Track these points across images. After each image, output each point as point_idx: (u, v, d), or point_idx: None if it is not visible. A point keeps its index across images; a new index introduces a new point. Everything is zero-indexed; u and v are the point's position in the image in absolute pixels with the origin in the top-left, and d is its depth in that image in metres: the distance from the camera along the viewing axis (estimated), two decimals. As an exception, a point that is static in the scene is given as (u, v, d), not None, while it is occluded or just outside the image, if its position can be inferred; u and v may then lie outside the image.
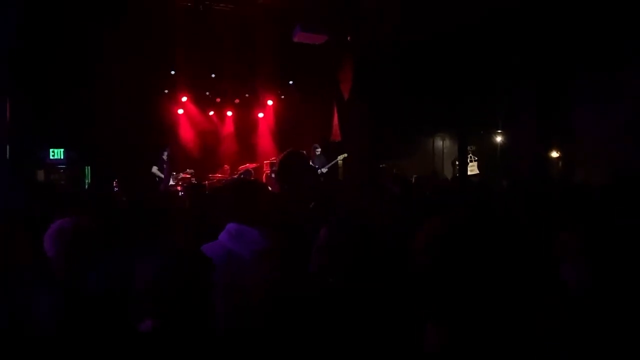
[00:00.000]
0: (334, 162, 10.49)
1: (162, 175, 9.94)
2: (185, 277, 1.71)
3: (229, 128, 13.20)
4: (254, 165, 11.67)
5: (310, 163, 9.91)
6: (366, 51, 9.97)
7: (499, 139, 13.15)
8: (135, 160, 10.01)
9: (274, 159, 11.06)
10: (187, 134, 12.68)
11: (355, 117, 11.00)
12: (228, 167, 12.00)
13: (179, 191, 9.43)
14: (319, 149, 10.26)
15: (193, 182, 10.52)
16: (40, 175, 9.22)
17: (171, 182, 9.96)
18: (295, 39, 9.95)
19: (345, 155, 10.62)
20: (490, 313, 1.09)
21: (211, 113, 13.03)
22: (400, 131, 11.56)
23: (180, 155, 11.94)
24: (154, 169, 9.74)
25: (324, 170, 10.14)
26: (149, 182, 9.63)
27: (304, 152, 10.06)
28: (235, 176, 10.35)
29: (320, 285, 1.87)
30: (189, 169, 10.94)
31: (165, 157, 9.95)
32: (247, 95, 12.93)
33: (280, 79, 12.42)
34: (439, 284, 1.13)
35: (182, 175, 10.81)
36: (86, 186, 9.48)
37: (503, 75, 9.41)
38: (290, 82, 12.65)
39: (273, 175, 9.89)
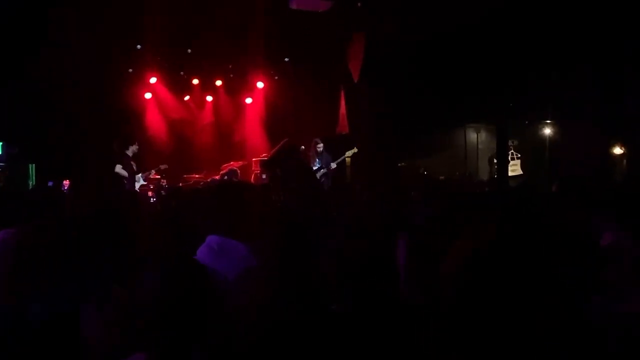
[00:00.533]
0: (340, 159, 10.53)
1: (126, 175, 9.98)
2: (183, 288, 1.75)
3: (208, 117, 13.25)
4: (240, 163, 11.72)
5: (310, 162, 10.03)
6: (381, 21, 10.00)
7: (548, 131, 13.17)
8: (92, 157, 10.06)
9: (265, 156, 11.08)
10: (156, 124, 12.74)
11: (367, 103, 11.03)
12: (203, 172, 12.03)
13: (149, 196, 9.47)
14: (322, 145, 10.28)
15: (163, 184, 10.57)
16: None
17: (142, 182, 9.99)
18: (293, 6, 10.00)
19: (355, 150, 10.66)
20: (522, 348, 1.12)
21: (187, 98, 13.09)
22: (425, 121, 11.59)
23: (148, 150, 11.99)
24: (118, 168, 9.77)
25: (328, 170, 10.17)
26: (111, 183, 9.65)
27: (303, 147, 10.24)
28: (217, 177, 10.38)
29: (322, 315, 1.90)
30: (162, 164, 10.95)
31: (130, 152, 9.98)
32: (231, 75, 12.98)
33: (274, 56, 12.46)
34: (466, 319, 1.16)
35: (151, 174, 10.83)
36: (30, 187, 9.54)
37: (555, 51, 9.44)
38: (286, 60, 12.70)
39: (264, 176, 9.92)
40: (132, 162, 9.81)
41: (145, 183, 10.19)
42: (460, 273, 1.22)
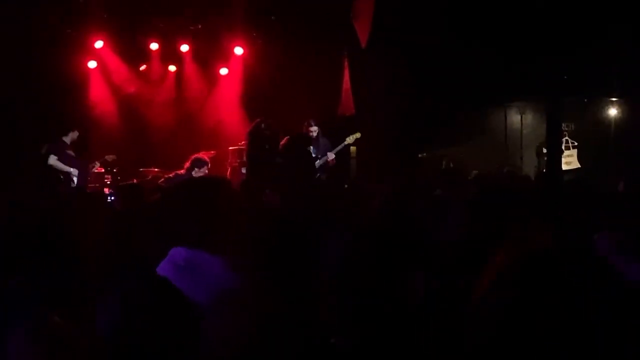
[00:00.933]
0: (340, 147, 10.56)
1: (67, 169, 9.98)
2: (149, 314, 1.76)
3: (171, 92, 13.23)
4: (212, 153, 11.70)
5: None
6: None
7: (613, 112, 13.20)
8: (17, 145, 10.03)
9: (243, 144, 11.08)
10: (102, 101, 12.71)
11: (379, 76, 11.04)
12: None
13: (105, 194, 9.49)
14: (316, 128, 10.30)
15: (106, 182, 10.56)
16: None
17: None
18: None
19: (357, 136, 10.68)
20: None
21: (143, 68, 13.06)
22: (453, 99, 11.60)
23: (91, 136, 11.97)
24: (52, 160, 9.78)
25: (326, 161, 10.19)
26: (44, 179, 9.67)
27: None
28: (183, 172, 10.36)
29: (320, 351, 1.92)
30: (108, 154, 10.93)
31: (68, 140, 9.99)
32: (201, 38, 12.95)
33: (256, 13, 12.45)
34: (505, 346, 1.18)
35: (94, 167, 10.84)
36: None
37: (624, 6, 9.46)
38: (273, 18, 12.68)
39: (244, 170, 9.94)
40: (70, 152, 9.82)
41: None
42: (499, 302, 1.24)
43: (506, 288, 1.22)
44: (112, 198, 9.10)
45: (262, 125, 9.90)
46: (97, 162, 10.73)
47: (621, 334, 1.19)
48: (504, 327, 1.20)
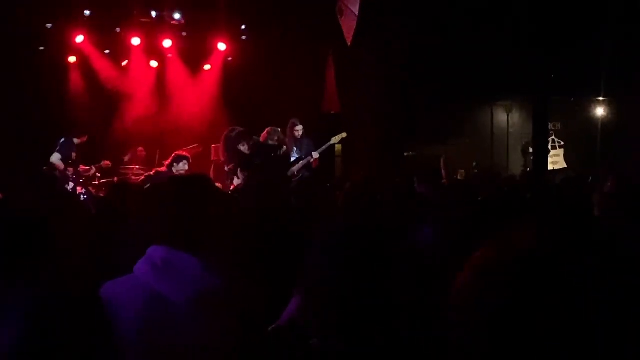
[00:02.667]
0: (324, 147, 10.55)
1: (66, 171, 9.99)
2: (62, 333, 1.72)
3: (153, 88, 13.19)
4: (193, 147, 11.68)
5: (285, 148, 10.04)
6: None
7: (600, 111, 13.29)
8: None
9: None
10: (82, 97, 12.64)
11: (364, 73, 11.04)
12: (142, 149, 12.05)
13: (79, 193, 9.42)
14: (300, 127, 10.29)
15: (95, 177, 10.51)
16: None
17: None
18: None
19: (343, 135, 10.68)
20: None
21: (124, 63, 13.00)
22: (439, 97, 11.63)
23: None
24: (55, 158, 9.86)
25: (310, 161, 10.19)
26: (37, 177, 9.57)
27: (279, 130, 10.23)
28: (163, 169, 10.33)
29: (299, 353, 1.91)
30: (105, 161, 10.94)
31: (77, 142, 10.12)
32: (184, 34, 12.91)
33: (241, 8, 12.43)
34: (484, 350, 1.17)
35: (91, 172, 10.81)
36: None
37: (611, 5, 9.52)
38: (256, 14, 12.67)
39: (227, 168, 9.90)
40: (74, 154, 9.96)
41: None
42: (476, 291, 1.22)
43: (491, 288, 1.20)
44: (85, 197, 9.09)
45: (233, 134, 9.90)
46: (93, 167, 10.70)
47: (612, 334, 1.19)
48: (492, 329, 1.19)
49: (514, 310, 1.15)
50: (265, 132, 9.80)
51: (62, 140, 10.21)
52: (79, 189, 10.14)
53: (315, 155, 10.25)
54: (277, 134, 9.85)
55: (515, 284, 1.17)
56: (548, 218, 3.99)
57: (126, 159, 11.92)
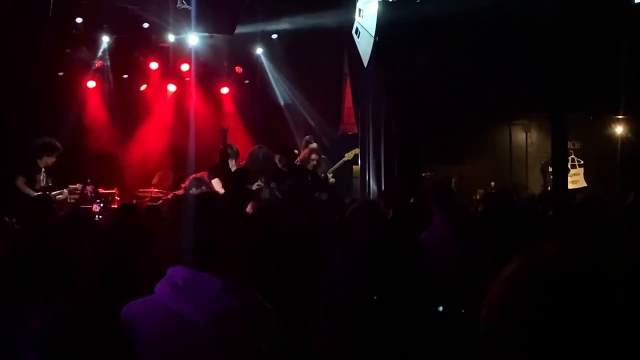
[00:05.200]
0: (339, 163, 10.57)
1: (30, 193, 9.50)
2: (83, 355, 1.71)
3: (170, 111, 13.26)
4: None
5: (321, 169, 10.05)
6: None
7: (619, 129, 13.18)
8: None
9: (244, 163, 11.11)
10: (100, 121, 12.74)
11: (381, 95, 11.04)
12: (170, 173, 12.00)
13: (93, 212, 9.38)
14: (315, 145, 10.32)
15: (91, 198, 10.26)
16: None
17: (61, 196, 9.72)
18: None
19: (357, 151, 10.69)
20: None
21: (143, 87, 13.11)
22: (457, 117, 11.59)
23: (90, 157, 11.99)
24: (19, 182, 9.36)
25: (329, 177, 10.22)
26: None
27: (295, 151, 10.23)
28: (180, 192, 10.36)
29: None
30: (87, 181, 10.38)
31: (42, 164, 9.61)
32: (201, 58, 13.01)
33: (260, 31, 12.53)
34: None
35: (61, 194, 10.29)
36: None
37: (628, 24, 9.48)
38: (274, 36, 12.76)
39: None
40: (41, 177, 9.51)
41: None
42: (505, 305, 1.20)
43: (524, 300, 1.19)
44: (100, 217, 8.96)
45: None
46: (65, 190, 10.17)
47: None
48: (529, 342, 1.17)
49: (550, 322, 1.13)
50: (307, 148, 9.80)
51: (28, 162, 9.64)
52: (94, 207, 10.02)
53: (329, 175, 10.28)
54: (317, 153, 9.88)
55: (550, 296, 1.15)
56: (575, 232, 3.96)
57: (154, 181, 11.91)
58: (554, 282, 1.16)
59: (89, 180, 9.93)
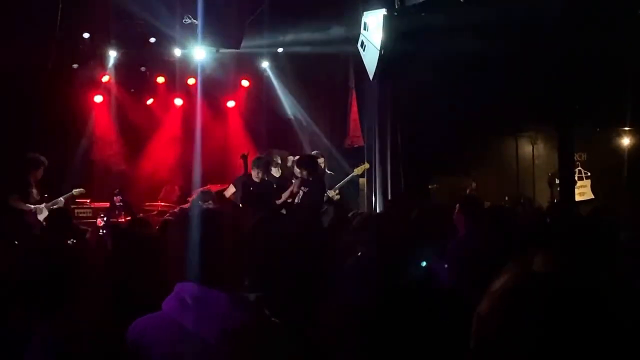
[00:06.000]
0: (348, 177, 10.57)
1: (28, 207, 9.45)
2: None
3: (177, 125, 13.30)
4: (219, 186, 11.71)
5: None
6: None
7: (626, 141, 13.15)
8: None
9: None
10: (107, 135, 12.78)
11: (387, 107, 11.06)
12: (177, 187, 12.02)
13: (98, 227, 9.40)
14: (322, 159, 10.33)
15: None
16: None
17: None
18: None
19: (366, 166, 10.69)
20: None
21: (150, 101, 13.15)
22: (463, 129, 11.59)
23: (97, 171, 12.04)
24: (13, 200, 9.32)
25: (332, 193, 10.19)
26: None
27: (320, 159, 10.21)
28: (187, 205, 10.37)
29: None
30: (76, 188, 10.29)
31: (31, 178, 9.57)
32: (207, 71, 13.06)
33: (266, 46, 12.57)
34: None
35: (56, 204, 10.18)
36: None
37: (637, 36, 9.47)
38: (280, 50, 12.80)
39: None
40: (32, 191, 9.48)
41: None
42: (501, 315, 1.20)
43: (511, 314, 1.19)
44: (104, 231, 8.92)
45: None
46: (61, 198, 10.10)
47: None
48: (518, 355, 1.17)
49: (538, 336, 1.14)
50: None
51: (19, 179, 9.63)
52: (98, 222, 10.02)
53: (334, 191, 10.27)
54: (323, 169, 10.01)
55: (537, 310, 1.16)
56: (568, 244, 3.94)
57: (160, 195, 11.93)
58: (540, 297, 1.16)
59: (117, 190, 9.93)
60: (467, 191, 10.86)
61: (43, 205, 9.49)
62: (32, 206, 9.32)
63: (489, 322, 1.20)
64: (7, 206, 9.22)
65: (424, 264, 3.72)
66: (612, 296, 1.18)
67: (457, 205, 5.10)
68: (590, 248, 3.89)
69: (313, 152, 10.59)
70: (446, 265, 4.34)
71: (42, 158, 9.65)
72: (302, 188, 9.07)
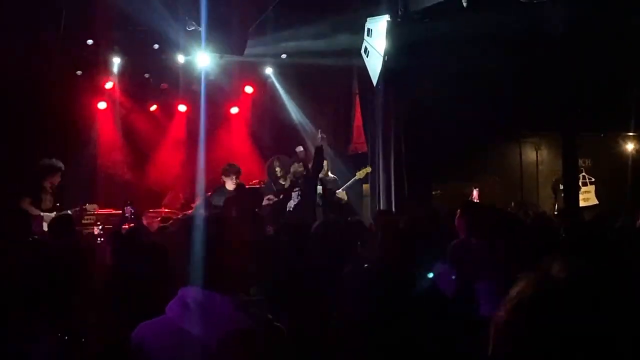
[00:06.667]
0: (351, 182, 10.57)
1: (37, 212, 9.40)
2: None
3: (181, 132, 13.31)
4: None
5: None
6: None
7: (630, 147, 13.12)
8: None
9: (256, 182, 11.16)
10: (111, 142, 12.80)
11: (389, 112, 11.05)
12: (181, 194, 12.01)
13: (95, 235, 9.35)
14: (325, 163, 10.37)
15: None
16: None
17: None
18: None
19: (368, 170, 10.69)
20: None
21: (153, 108, 13.17)
22: (466, 134, 11.58)
23: (100, 178, 12.05)
24: (26, 203, 9.28)
25: (342, 193, 10.24)
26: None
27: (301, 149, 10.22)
28: (191, 212, 10.37)
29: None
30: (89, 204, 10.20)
31: (48, 184, 9.54)
32: (211, 78, 13.08)
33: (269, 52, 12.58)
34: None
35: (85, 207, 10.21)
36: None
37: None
38: (283, 56, 12.82)
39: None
40: (45, 197, 9.47)
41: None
42: (516, 322, 1.20)
43: (529, 322, 1.18)
44: (102, 239, 8.88)
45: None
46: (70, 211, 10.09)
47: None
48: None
49: (557, 343, 1.13)
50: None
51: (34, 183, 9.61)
52: (94, 230, 9.95)
53: (341, 192, 10.30)
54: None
55: (555, 317, 1.15)
56: (581, 251, 3.93)
57: (164, 202, 11.93)
58: (559, 303, 1.15)
59: (129, 201, 9.89)
60: (470, 197, 10.85)
61: (54, 213, 9.46)
62: (42, 213, 9.27)
63: (508, 330, 1.19)
64: (18, 209, 9.20)
65: (430, 275, 3.71)
66: (633, 301, 1.17)
67: (458, 210, 5.11)
68: (604, 254, 3.90)
69: None
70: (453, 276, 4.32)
71: (59, 164, 9.67)
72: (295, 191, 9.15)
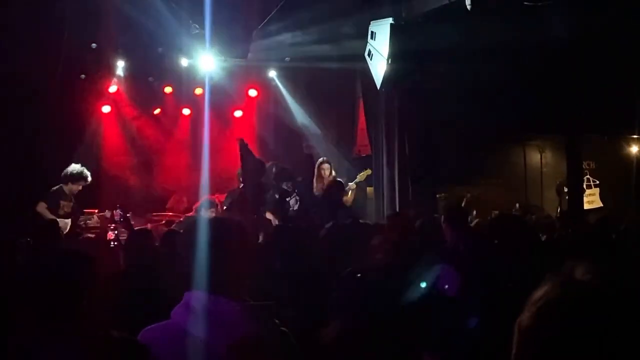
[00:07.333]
0: (352, 184, 10.56)
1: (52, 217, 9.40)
2: None
3: (185, 135, 13.32)
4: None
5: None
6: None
7: (634, 149, 13.11)
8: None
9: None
10: (115, 145, 12.81)
11: (394, 116, 11.05)
12: (185, 197, 12.01)
13: (109, 241, 9.34)
14: (328, 166, 10.37)
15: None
16: None
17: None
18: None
19: (368, 172, 10.69)
20: None
21: (157, 111, 13.18)
22: (471, 137, 11.58)
23: (104, 181, 12.04)
24: (40, 207, 9.27)
25: (353, 186, 10.27)
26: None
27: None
28: (192, 214, 10.38)
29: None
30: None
31: (67, 190, 9.54)
32: (215, 81, 13.08)
33: (273, 55, 12.59)
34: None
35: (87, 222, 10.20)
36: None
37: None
38: (287, 59, 12.83)
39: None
40: (64, 203, 9.46)
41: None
42: (540, 327, 1.20)
43: (556, 325, 1.18)
44: (115, 244, 8.90)
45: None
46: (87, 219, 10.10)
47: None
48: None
49: (582, 347, 1.13)
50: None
51: (54, 188, 9.65)
52: (109, 235, 9.97)
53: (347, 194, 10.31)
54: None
55: (582, 319, 1.15)
56: (597, 254, 3.93)
57: (168, 205, 11.93)
58: (587, 306, 1.15)
59: (118, 205, 9.89)
60: (462, 203, 10.81)
61: (68, 220, 9.48)
62: (58, 219, 9.23)
63: (535, 334, 1.19)
64: (33, 211, 9.23)
65: (423, 284, 3.72)
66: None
67: (442, 216, 5.24)
68: (615, 259, 3.91)
69: (320, 159, 10.61)
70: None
71: (86, 174, 9.67)
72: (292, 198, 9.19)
